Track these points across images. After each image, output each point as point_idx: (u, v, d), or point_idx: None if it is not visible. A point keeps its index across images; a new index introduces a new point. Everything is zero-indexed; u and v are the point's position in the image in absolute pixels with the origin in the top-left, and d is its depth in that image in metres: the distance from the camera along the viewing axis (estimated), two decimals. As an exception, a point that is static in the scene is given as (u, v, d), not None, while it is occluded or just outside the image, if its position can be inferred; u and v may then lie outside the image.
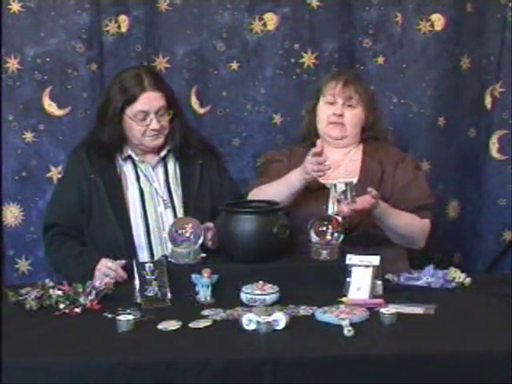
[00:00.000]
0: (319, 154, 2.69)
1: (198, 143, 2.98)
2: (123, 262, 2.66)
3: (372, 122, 2.95)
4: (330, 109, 2.90)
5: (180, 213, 2.87)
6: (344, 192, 2.61)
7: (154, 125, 2.84)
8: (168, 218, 2.85)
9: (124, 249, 2.79)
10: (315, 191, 2.83)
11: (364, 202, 2.62)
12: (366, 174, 2.87)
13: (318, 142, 2.76)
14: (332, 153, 2.93)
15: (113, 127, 2.85)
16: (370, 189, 2.64)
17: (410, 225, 2.79)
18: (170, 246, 2.66)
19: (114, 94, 2.84)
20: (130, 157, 2.92)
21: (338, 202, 2.63)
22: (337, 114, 2.88)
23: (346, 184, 2.62)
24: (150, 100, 2.83)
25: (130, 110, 2.83)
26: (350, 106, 2.90)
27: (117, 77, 2.92)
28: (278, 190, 2.80)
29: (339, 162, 2.93)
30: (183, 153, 2.94)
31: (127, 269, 2.62)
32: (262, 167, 3.06)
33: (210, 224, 2.73)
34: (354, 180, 2.76)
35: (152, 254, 2.82)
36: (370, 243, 2.70)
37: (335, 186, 2.63)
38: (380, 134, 2.99)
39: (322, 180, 2.83)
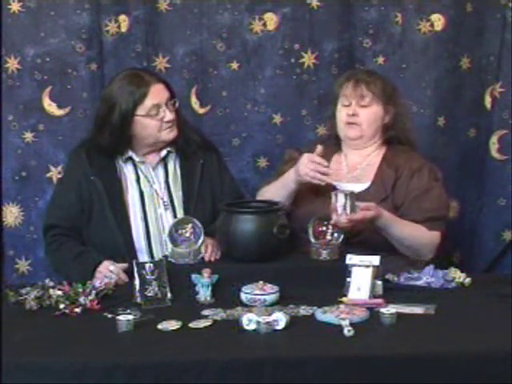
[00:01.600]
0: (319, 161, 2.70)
1: (198, 138, 2.97)
2: (125, 265, 2.66)
3: (392, 120, 2.91)
4: (346, 110, 2.88)
5: (180, 214, 2.85)
6: (344, 201, 2.59)
7: (169, 115, 2.84)
8: (168, 220, 2.84)
9: (124, 252, 2.78)
10: (324, 192, 2.81)
11: (363, 212, 2.59)
12: (380, 180, 2.84)
13: (319, 147, 2.75)
14: (351, 154, 2.93)
15: (118, 133, 2.82)
16: (371, 203, 2.63)
17: (416, 236, 2.75)
18: (170, 247, 2.66)
19: (119, 100, 2.80)
20: (130, 158, 2.92)
21: (337, 211, 2.59)
22: (349, 114, 2.86)
23: (346, 194, 2.59)
24: (158, 92, 2.83)
25: (142, 108, 2.81)
26: (363, 105, 2.86)
27: (112, 85, 2.87)
28: (276, 191, 2.83)
29: (356, 164, 2.91)
30: (183, 150, 2.94)
31: (128, 271, 2.62)
32: (280, 165, 3.04)
33: (208, 240, 2.70)
34: (356, 189, 2.74)
35: (152, 257, 2.80)
36: (373, 250, 2.66)
37: (336, 195, 2.61)
38: (402, 133, 2.93)
39: (333, 182, 2.82)
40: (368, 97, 2.86)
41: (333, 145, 2.97)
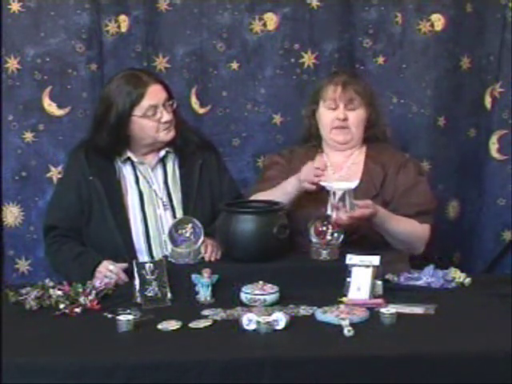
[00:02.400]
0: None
1: (196, 138, 2.97)
2: (125, 264, 2.66)
3: (374, 120, 2.93)
4: (333, 114, 2.87)
5: (179, 214, 2.85)
6: (342, 199, 2.58)
7: (166, 116, 2.83)
8: (167, 221, 2.85)
9: (124, 253, 2.78)
10: (314, 193, 2.82)
11: (362, 209, 2.60)
12: (368, 177, 2.85)
13: (318, 158, 2.80)
14: (335, 155, 2.93)
15: (115, 133, 2.82)
16: (368, 201, 2.63)
17: (410, 231, 2.77)
18: (169, 247, 2.66)
19: (116, 100, 2.80)
20: (128, 159, 2.92)
21: (337, 208, 2.60)
22: (340, 118, 2.85)
23: (345, 192, 2.59)
24: (156, 93, 2.83)
25: (139, 109, 2.81)
26: (351, 108, 2.86)
27: (110, 85, 2.87)
28: (274, 198, 2.79)
29: (341, 164, 2.92)
30: (182, 151, 2.94)
31: (128, 271, 2.62)
32: (263, 171, 3.05)
33: (208, 240, 2.69)
34: (353, 185, 2.74)
35: (152, 258, 2.79)
36: (370, 246, 2.67)
37: (334, 192, 2.61)
38: (380, 130, 2.95)
39: (321, 182, 2.83)
40: (356, 100, 2.86)
41: (312, 145, 2.97)
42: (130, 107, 2.80)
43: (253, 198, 2.88)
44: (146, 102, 2.81)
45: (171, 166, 2.95)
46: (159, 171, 2.94)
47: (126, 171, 2.92)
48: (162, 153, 2.93)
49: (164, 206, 2.89)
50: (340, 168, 2.91)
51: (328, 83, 2.92)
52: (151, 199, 2.89)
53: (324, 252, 2.61)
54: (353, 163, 2.91)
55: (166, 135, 2.87)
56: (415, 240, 2.81)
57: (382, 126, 2.97)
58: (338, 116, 2.86)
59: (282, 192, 2.80)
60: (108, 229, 2.81)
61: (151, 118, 2.83)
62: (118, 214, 2.83)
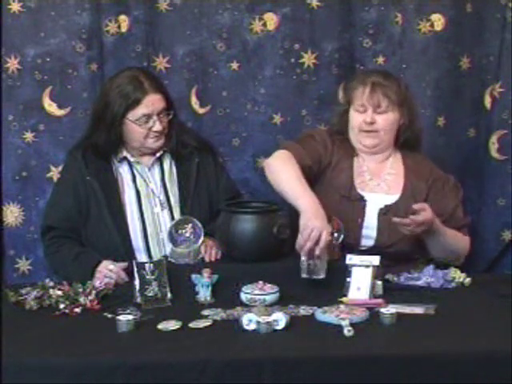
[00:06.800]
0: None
1: (194, 141, 2.97)
2: (124, 264, 2.66)
3: (406, 124, 2.84)
4: (361, 116, 2.80)
5: (176, 213, 2.86)
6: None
7: (157, 127, 2.83)
8: (165, 219, 2.85)
9: (122, 252, 2.78)
10: (353, 201, 2.77)
11: (423, 213, 2.61)
12: (410, 193, 2.80)
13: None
14: (368, 160, 2.87)
15: (110, 131, 2.83)
16: (423, 204, 2.65)
17: (457, 242, 2.82)
18: (167, 247, 2.66)
19: (114, 99, 2.81)
20: (125, 158, 2.92)
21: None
22: (367, 122, 2.78)
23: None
24: (153, 103, 2.82)
25: (133, 115, 2.81)
26: (380, 112, 2.78)
27: (112, 81, 2.88)
28: (291, 185, 2.63)
29: (377, 171, 2.85)
30: (180, 152, 2.94)
31: (127, 270, 2.62)
32: (305, 134, 2.93)
33: (208, 240, 2.70)
34: (386, 202, 2.78)
35: (150, 257, 2.81)
36: (402, 260, 2.70)
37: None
38: (413, 136, 2.87)
39: (360, 192, 2.79)
40: (385, 103, 2.78)
41: (350, 146, 2.88)
42: (125, 110, 2.80)
43: (287, 154, 2.73)
44: (140, 111, 2.81)
45: (168, 164, 2.96)
46: (156, 170, 2.94)
47: (123, 170, 2.92)
48: (160, 152, 2.93)
49: (161, 204, 2.89)
50: (378, 176, 2.85)
51: (357, 84, 2.83)
52: (148, 198, 2.89)
53: (324, 252, 2.61)
54: (390, 173, 2.85)
55: (154, 143, 2.88)
56: (462, 252, 2.86)
57: (415, 131, 2.89)
58: (365, 119, 2.79)
59: (302, 190, 2.60)
60: (106, 228, 2.81)
61: (143, 125, 2.82)
62: (115, 214, 2.83)
